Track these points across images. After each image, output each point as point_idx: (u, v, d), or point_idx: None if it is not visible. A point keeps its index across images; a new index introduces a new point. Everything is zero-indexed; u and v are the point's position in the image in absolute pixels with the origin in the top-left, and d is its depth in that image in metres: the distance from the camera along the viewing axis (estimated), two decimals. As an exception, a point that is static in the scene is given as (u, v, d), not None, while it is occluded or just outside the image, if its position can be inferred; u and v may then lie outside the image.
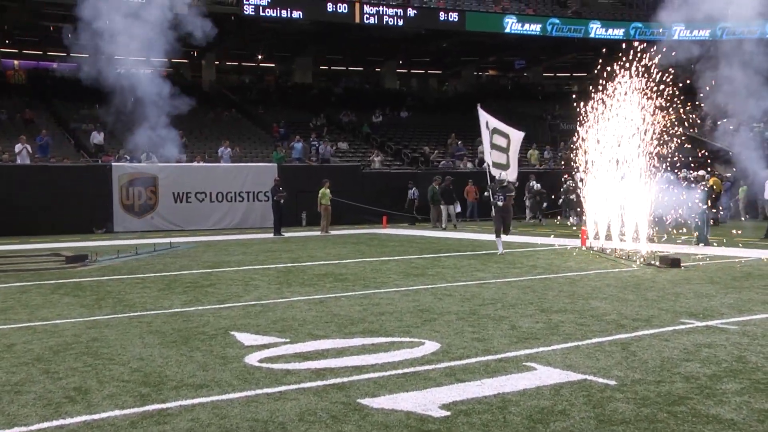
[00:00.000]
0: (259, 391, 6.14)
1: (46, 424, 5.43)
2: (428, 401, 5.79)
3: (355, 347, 7.78)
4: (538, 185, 31.35)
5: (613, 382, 6.24)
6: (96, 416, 5.59)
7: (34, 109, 34.33)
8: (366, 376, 6.59)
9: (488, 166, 20.08)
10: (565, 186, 29.64)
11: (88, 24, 22.69)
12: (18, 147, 27.67)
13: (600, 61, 18.35)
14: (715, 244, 18.94)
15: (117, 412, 5.66)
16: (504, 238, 18.26)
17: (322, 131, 37.48)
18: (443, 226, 28.02)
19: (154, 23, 23.26)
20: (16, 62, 38.00)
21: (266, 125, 38.50)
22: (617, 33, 40.32)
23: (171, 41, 23.77)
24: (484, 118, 20.54)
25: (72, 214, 25.80)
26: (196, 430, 5.25)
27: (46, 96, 36.69)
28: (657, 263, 14.70)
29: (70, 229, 25.47)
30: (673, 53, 19.11)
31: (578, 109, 18.50)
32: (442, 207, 28.18)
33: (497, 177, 18.79)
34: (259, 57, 47.83)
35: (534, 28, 40.41)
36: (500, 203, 17.90)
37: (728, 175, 30.51)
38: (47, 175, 26.49)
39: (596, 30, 41.11)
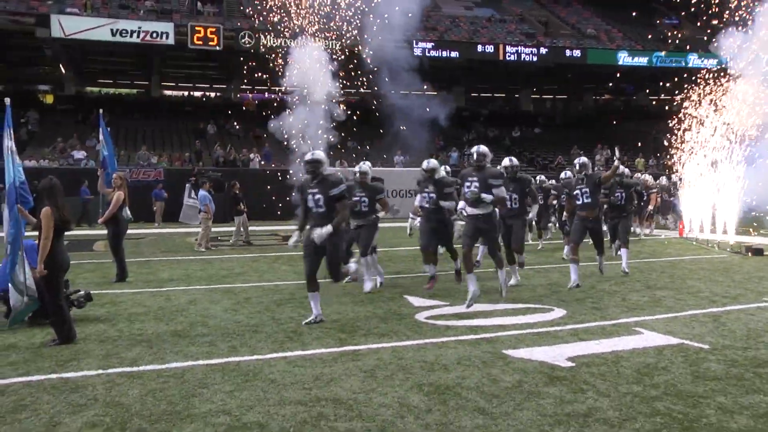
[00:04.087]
0: (426, 341, 6.28)
1: (274, 355, 5.79)
2: (557, 354, 5.75)
3: (499, 310, 7.79)
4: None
5: (706, 347, 5.97)
6: (308, 352, 5.90)
7: (261, 128, 35.83)
8: (508, 333, 6.60)
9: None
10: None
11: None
12: (252, 156, 29.14)
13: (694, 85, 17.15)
14: None
15: (323, 350, 5.94)
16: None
17: (472, 143, 37.29)
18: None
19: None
20: (250, 95, 39.97)
21: (430, 138, 38.67)
22: (712, 62, 37.71)
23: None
24: None
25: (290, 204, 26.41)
26: (380, 366, 5.45)
27: (269, 119, 38.14)
28: (743, 252, 13.80)
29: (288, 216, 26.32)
30: None
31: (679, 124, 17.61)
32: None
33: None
34: (425, 87, 48.07)
35: (642, 60, 38.65)
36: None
37: None
38: (265, 175, 26.97)
39: (694, 60, 38.78)
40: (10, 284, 6.98)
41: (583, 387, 4.87)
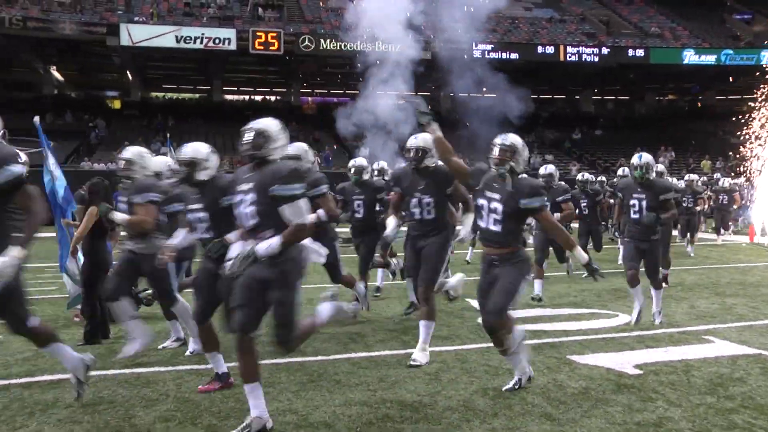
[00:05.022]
0: (489, 344, 6.12)
1: (338, 356, 5.84)
2: (624, 361, 5.63)
3: (563, 315, 7.68)
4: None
5: (786, 358, 5.73)
6: (372, 354, 5.93)
7: (320, 131, 36.24)
8: (573, 338, 6.50)
9: None
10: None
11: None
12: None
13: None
14: None
15: (386, 352, 5.96)
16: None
17: (532, 146, 36.90)
18: None
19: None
20: (309, 99, 40.46)
21: (488, 142, 38.38)
22: (788, 59, 36.07)
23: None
24: None
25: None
26: (444, 369, 5.44)
27: (329, 122, 38.56)
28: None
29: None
30: None
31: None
32: None
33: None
34: (484, 89, 47.70)
35: (709, 59, 37.38)
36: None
37: None
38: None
39: (767, 57, 37.21)
40: (64, 274, 7.56)
41: (652, 396, 4.75)
